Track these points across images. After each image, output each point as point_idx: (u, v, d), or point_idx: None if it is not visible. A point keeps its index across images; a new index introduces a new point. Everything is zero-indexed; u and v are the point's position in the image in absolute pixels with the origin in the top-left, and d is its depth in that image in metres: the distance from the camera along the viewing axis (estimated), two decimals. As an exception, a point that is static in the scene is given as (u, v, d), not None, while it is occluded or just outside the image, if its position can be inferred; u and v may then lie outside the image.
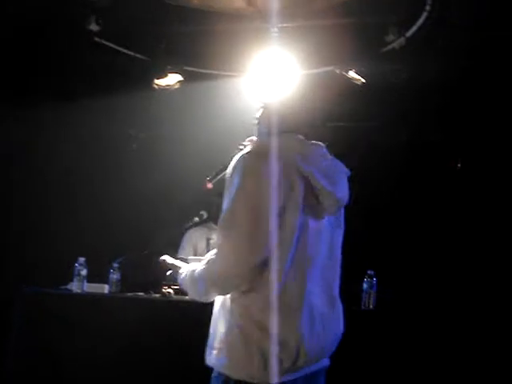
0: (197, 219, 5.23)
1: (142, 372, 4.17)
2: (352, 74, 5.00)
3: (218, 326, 2.42)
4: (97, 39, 4.67)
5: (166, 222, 5.40)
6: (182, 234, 5.40)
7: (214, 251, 2.34)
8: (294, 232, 2.37)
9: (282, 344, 2.37)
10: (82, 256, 4.57)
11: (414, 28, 4.55)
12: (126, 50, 4.94)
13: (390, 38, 4.63)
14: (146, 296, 4.57)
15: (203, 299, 2.47)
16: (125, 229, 5.71)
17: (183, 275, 2.52)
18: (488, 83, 4.96)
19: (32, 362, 4.45)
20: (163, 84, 5.08)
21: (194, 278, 2.42)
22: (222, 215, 2.33)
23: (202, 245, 5.53)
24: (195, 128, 5.67)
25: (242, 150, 2.46)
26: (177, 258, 5.53)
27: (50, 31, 4.68)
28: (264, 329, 2.36)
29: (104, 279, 4.67)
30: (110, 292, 4.64)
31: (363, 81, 5.02)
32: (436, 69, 4.75)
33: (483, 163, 5.43)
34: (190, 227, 5.34)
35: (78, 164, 5.85)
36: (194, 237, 5.53)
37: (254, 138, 2.61)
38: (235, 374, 2.37)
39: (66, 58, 5.07)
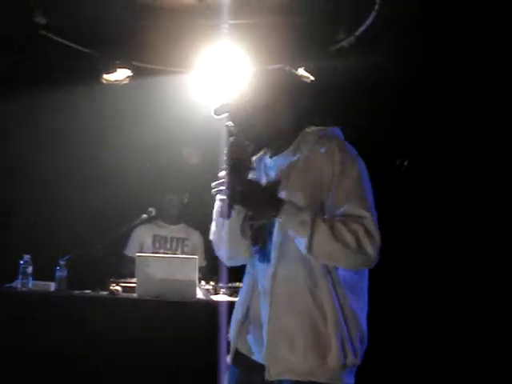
0: (145, 216, 5.20)
1: (88, 369, 4.12)
2: (301, 71, 5.02)
3: (309, 326, 2.25)
4: (44, 32, 4.58)
5: (113, 220, 5.33)
6: (129, 231, 5.35)
7: (362, 229, 2.21)
8: None
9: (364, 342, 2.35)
10: (27, 253, 4.49)
11: (363, 27, 4.60)
12: (73, 45, 4.88)
13: (340, 36, 4.68)
14: (93, 294, 4.52)
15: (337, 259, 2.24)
16: (72, 225, 5.63)
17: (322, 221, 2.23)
18: (437, 82, 5.04)
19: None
20: (112, 79, 5.04)
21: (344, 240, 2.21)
22: (360, 196, 2.27)
23: (148, 242, 5.49)
24: (143, 123, 5.63)
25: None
26: (123, 256, 5.49)
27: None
28: (359, 323, 2.30)
29: (51, 277, 4.60)
30: (56, 290, 4.57)
31: (312, 78, 5.05)
32: (384, 67, 4.80)
33: (430, 162, 5.51)
34: (138, 224, 5.30)
35: (21, 160, 5.74)
36: (140, 234, 5.49)
37: None
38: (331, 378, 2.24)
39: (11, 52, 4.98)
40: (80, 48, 4.91)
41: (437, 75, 4.95)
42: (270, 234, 2.37)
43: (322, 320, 2.24)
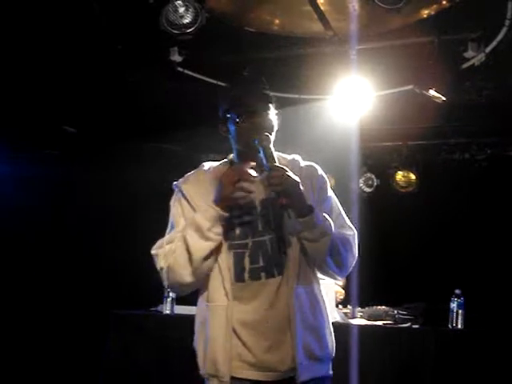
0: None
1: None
2: (432, 92, 4.97)
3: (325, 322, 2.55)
4: (180, 69, 4.78)
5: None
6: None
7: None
8: None
9: None
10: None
11: (494, 43, 4.49)
12: (208, 79, 5.05)
13: (470, 54, 4.58)
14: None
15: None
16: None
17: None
18: None
19: (124, 382, 4.58)
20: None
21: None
22: (343, 215, 2.61)
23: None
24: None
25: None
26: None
27: (132, 67, 4.84)
28: None
29: (192, 301, 4.75)
30: (198, 314, 4.73)
31: (443, 99, 4.98)
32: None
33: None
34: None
35: (164, 191, 6.00)
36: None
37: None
38: None
39: (150, 90, 5.24)
40: (214, 82, 5.07)
41: None
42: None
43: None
